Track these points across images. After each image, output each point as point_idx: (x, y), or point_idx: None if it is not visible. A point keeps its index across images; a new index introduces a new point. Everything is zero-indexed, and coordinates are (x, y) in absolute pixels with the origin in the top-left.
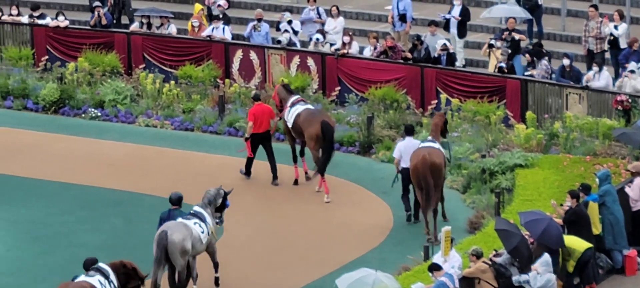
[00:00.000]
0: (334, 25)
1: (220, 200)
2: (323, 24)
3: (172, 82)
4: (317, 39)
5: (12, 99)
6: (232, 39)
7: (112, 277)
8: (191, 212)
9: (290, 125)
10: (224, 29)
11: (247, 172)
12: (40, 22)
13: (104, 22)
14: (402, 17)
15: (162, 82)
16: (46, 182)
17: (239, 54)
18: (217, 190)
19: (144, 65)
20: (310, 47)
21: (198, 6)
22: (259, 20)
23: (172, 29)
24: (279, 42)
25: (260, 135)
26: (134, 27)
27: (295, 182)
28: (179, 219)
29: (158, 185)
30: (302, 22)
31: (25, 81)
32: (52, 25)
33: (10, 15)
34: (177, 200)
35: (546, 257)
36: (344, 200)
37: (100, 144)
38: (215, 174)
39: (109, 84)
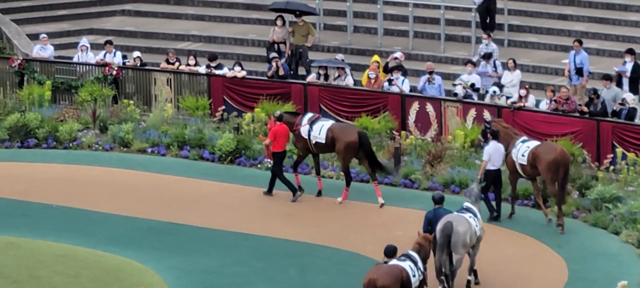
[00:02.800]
0: (511, 78)
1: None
2: (499, 78)
3: None
4: (494, 92)
5: (189, 149)
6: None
7: (420, 263)
8: (464, 207)
9: (322, 141)
10: (402, 80)
11: (293, 191)
12: (217, 72)
13: (281, 72)
14: (579, 71)
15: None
16: (221, 232)
17: (415, 105)
18: (478, 187)
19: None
20: (487, 100)
21: (375, 58)
22: (431, 72)
23: (348, 80)
24: (455, 94)
25: (280, 154)
26: (311, 78)
27: (319, 193)
28: (455, 213)
29: (333, 236)
30: (479, 75)
31: (202, 131)
32: (229, 76)
33: (188, 65)
34: (440, 199)
35: None
36: (518, 253)
37: (275, 195)
38: (390, 225)
39: None
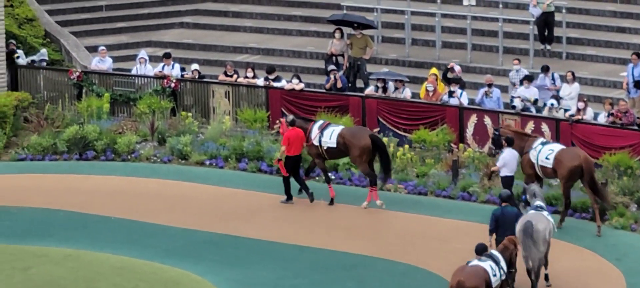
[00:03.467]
0: (569, 91)
1: None
2: (558, 90)
3: (406, 146)
4: (552, 105)
5: (247, 161)
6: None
7: (502, 263)
8: (538, 205)
9: (333, 146)
10: (461, 93)
11: (289, 197)
12: (275, 84)
13: (339, 85)
14: (637, 84)
15: (396, 145)
16: (279, 245)
17: (473, 118)
18: (537, 185)
19: (378, 129)
20: (545, 113)
21: (433, 70)
22: (490, 85)
23: (407, 92)
24: (513, 107)
25: (294, 158)
26: (369, 90)
27: (331, 202)
28: (532, 211)
29: (391, 248)
30: (538, 88)
31: (260, 143)
32: (287, 88)
33: (246, 77)
34: (507, 198)
35: None
36: (576, 266)
37: (334, 207)
38: (447, 238)
39: None
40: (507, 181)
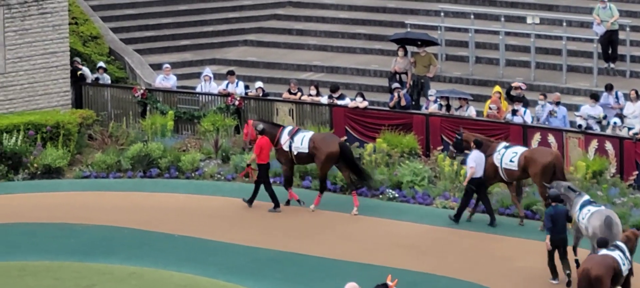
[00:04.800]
0: (633, 109)
1: None
2: (621, 109)
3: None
4: (615, 123)
5: (310, 179)
6: (531, 122)
7: (627, 253)
8: (590, 200)
9: (304, 151)
10: (524, 111)
11: (250, 200)
12: (339, 102)
13: (402, 103)
14: None
15: (459, 163)
16: (343, 262)
17: (537, 136)
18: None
19: (441, 147)
20: (608, 131)
21: (496, 88)
22: (558, 103)
23: (471, 111)
24: (580, 126)
25: (266, 165)
26: (433, 108)
27: (287, 203)
28: (602, 207)
29: (454, 266)
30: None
31: None
32: (351, 106)
33: (310, 95)
34: (556, 197)
35: None
36: None
37: (397, 225)
38: (512, 256)
39: (407, 165)
40: (477, 182)
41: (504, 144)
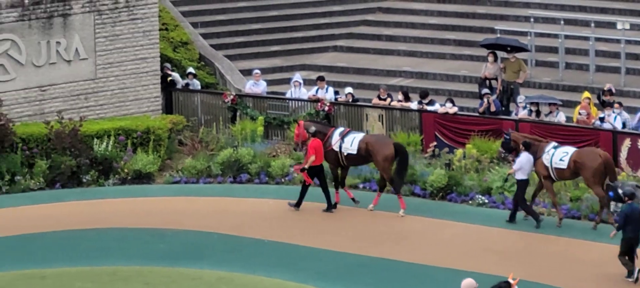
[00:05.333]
0: None
1: None
2: None
3: None
4: None
5: (418, 187)
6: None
7: None
8: None
9: (353, 152)
10: (615, 117)
11: (298, 204)
12: (429, 108)
13: (492, 109)
14: None
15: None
16: (433, 268)
17: (627, 142)
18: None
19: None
20: None
21: (586, 94)
22: None
23: (560, 116)
24: None
25: (318, 167)
26: (523, 114)
27: (335, 206)
28: None
29: (543, 272)
30: None
31: (413, 167)
32: (441, 112)
33: (399, 101)
34: (631, 195)
35: None
36: None
37: (487, 231)
38: (601, 262)
39: (496, 170)
40: (522, 184)
41: (553, 143)
